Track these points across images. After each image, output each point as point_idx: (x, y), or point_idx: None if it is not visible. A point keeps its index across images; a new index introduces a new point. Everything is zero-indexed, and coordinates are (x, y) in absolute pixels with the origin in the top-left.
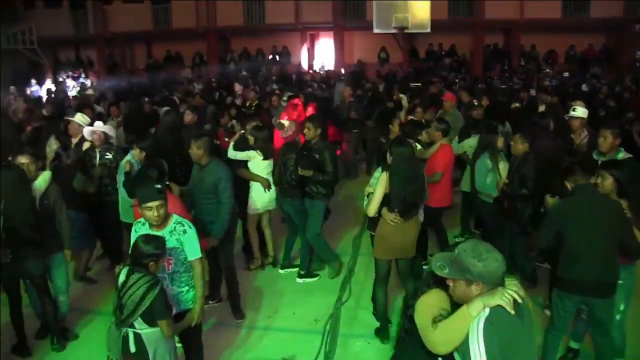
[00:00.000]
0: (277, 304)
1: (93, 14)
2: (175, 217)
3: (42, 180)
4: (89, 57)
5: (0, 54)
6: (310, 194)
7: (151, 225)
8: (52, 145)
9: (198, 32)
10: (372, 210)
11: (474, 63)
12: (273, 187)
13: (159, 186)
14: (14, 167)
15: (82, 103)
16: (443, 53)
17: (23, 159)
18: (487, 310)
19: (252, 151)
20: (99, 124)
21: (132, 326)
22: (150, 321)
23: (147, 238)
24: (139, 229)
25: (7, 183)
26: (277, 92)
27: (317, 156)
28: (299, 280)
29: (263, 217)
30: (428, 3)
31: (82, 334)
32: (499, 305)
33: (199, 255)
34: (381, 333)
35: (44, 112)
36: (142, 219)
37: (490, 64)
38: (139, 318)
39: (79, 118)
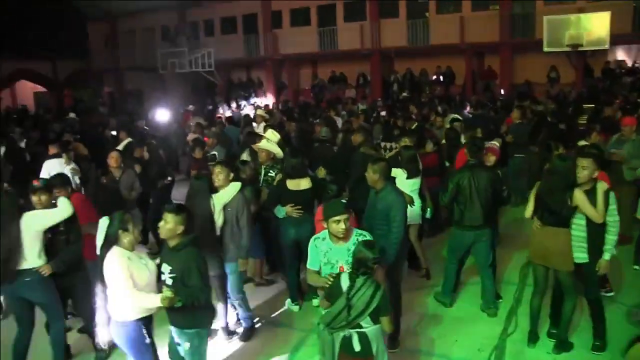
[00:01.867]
0: (441, 329)
1: (264, 38)
2: (356, 230)
3: (231, 188)
4: (258, 78)
5: (185, 76)
6: None
7: (336, 239)
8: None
9: (362, 53)
10: (526, 213)
11: None
12: (418, 204)
13: (344, 201)
14: (201, 177)
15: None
16: (622, 71)
17: (217, 169)
18: None
19: (398, 169)
20: (263, 143)
21: (356, 327)
22: (375, 319)
23: (368, 244)
24: (319, 244)
25: (195, 190)
26: (439, 113)
27: None
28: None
29: (410, 230)
30: (607, 16)
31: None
32: None
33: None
34: (530, 336)
35: (215, 129)
36: (320, 235)
37: None
38: (368, 317)
39: (270, 135)
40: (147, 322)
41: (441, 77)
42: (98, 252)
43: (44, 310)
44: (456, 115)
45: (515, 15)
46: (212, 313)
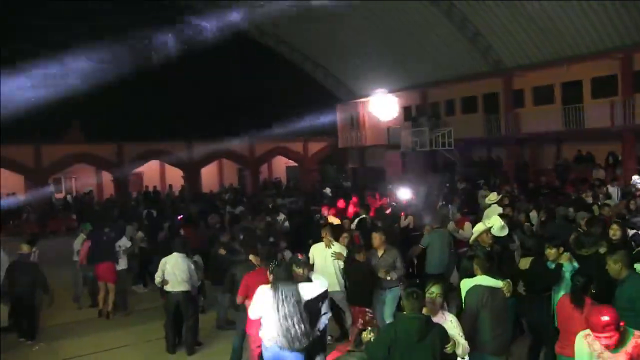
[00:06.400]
0: None
1: (505, 117)
2: (629, 330)
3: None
4: (498, 156)
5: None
6: None
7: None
8: None
9: (612, 131)
10: None
11: None
12: None
13: (606, 318)
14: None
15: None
16: None
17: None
18: None
19: None
20: (479, 226)
21: None
22: None
23: None
24: (591, 342)
25: None
26: None
27: None
28: None
29: None
30: None
31: None
32: None
33: None
34: None
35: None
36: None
37: None
38: None
39: (493, 220)
40: None
41: None
42: None
43: None
44: None
45: None
46: None
